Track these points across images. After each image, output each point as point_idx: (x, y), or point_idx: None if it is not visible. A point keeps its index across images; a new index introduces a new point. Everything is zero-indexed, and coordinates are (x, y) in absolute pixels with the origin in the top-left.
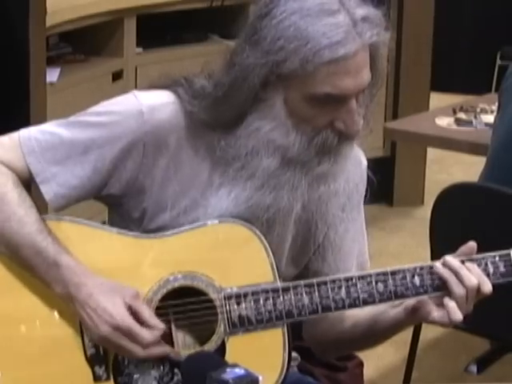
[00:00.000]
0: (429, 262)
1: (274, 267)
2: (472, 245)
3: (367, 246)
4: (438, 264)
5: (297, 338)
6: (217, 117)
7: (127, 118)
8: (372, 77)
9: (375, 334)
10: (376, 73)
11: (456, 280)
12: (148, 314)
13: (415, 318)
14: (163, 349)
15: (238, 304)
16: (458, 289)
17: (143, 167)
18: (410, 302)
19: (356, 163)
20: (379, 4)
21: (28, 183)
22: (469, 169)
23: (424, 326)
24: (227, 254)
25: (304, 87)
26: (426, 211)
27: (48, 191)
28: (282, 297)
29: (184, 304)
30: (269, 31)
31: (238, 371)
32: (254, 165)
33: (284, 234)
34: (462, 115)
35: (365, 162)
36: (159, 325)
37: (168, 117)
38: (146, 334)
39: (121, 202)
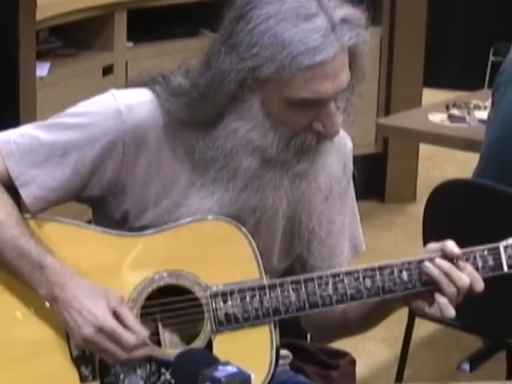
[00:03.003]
0: (417, 257)
1: (261, 264)
2: (455, 251)
3: (360, 228)
4: (427, 264)
5: (289, 336)
6: (193, 116)
7: (105, 118)
8: (352, 74)
9: (367, 319)
10: (356, 69)
11: (447, 280)
12: (132, 319)
13: (405, 305)
14: (145, 351)
15: (225, 302)
16: (448, 288)
17: (124, 167)
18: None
19: (339, 149)
20: (358, 2)
21: (9, 187)
22: (462, 165)
23: (416, 323)
24: (213, 252)
25: (281, 91)
26: (418, 208)
27: (28, 194)
28: (268, 294)
29: (170, 303)
30: (244, 36)
31: (231, 369)
32: (235, 165)
33: (272, 232)
34: (455, 111)
35: (350, 145)
36: (142, 331)
37: (146, 115)
38: (129, 337)
39: (103, 202)
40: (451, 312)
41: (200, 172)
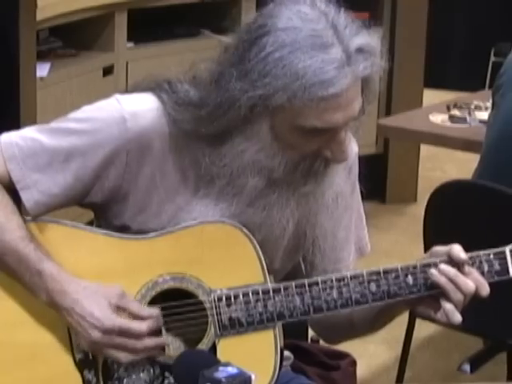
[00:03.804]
0: (423, 261)
1: (265, 267)
2: (462, 257)
3: (366, 230)
4: (434, 272)
5: (290, 337)
6: (200, 130)
7: (109, 126)
8: (364, 99)
9: (372, 322)
10: (369, 94)
11: (454, 288)
12: (137, 307)
13: (410, 308)
14: (157, 340)
15: (229, 306)
16: (455, 296)
17: (127, 175)
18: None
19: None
20: (375, 23)
21: (9, 188)
22: (462, 166)
23: (417, 324)
24: (216, 255)
25: (292, 119)
26: (418, 208)
27: (28, 198)
28: (272, 298)
29: (173, 307)
30: (257, 64)
31: (231, 370)
32: (240, 183)
33: (275, 247)
34: (456, 112)
35: (355, 149)
36: (152, 313)
37: (151, 123)
38: (138, 325)
39: (105, 208)
40: (458, 318)
41: (205, 184)
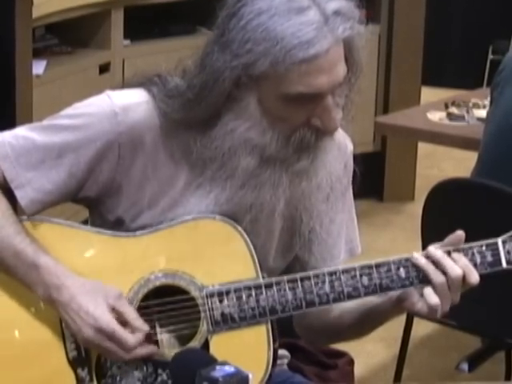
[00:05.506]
0: (412, 253)
1: (257, 263)
2: (460, 234)
3: (357, 230)
4: (416, 254)
5: (287, 335)
6: (190, 117)
7: (101, 120)
8: (349, 68)
9: (362, 324)
10: (353, 64)
11: (433, 268)
12: (132, 315)
13: (401, 309)
14: (147, 350)
15: (221, 302)
16: (435, 277)
17: (120, 168)
18: (395, 292)
19: (340, 150)
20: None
21: (4, 188)
22: (460, 164)
23: (415, 323)
24: (208, 251)
25: (277, 87)
26: (416, 206)
27: (23, 197)
28: (264, 293)
29: (166, 303)
30: (237, 33)
31: (228, 369)
32: (233, 165)
33: (269, 231)
34: (454, 110)
35: (350, 146)
36: (143, 326)
37: (142, 116)
38: (129, 338)
39: (99, 203)
40: (435, 300)
41: (197, 172)
